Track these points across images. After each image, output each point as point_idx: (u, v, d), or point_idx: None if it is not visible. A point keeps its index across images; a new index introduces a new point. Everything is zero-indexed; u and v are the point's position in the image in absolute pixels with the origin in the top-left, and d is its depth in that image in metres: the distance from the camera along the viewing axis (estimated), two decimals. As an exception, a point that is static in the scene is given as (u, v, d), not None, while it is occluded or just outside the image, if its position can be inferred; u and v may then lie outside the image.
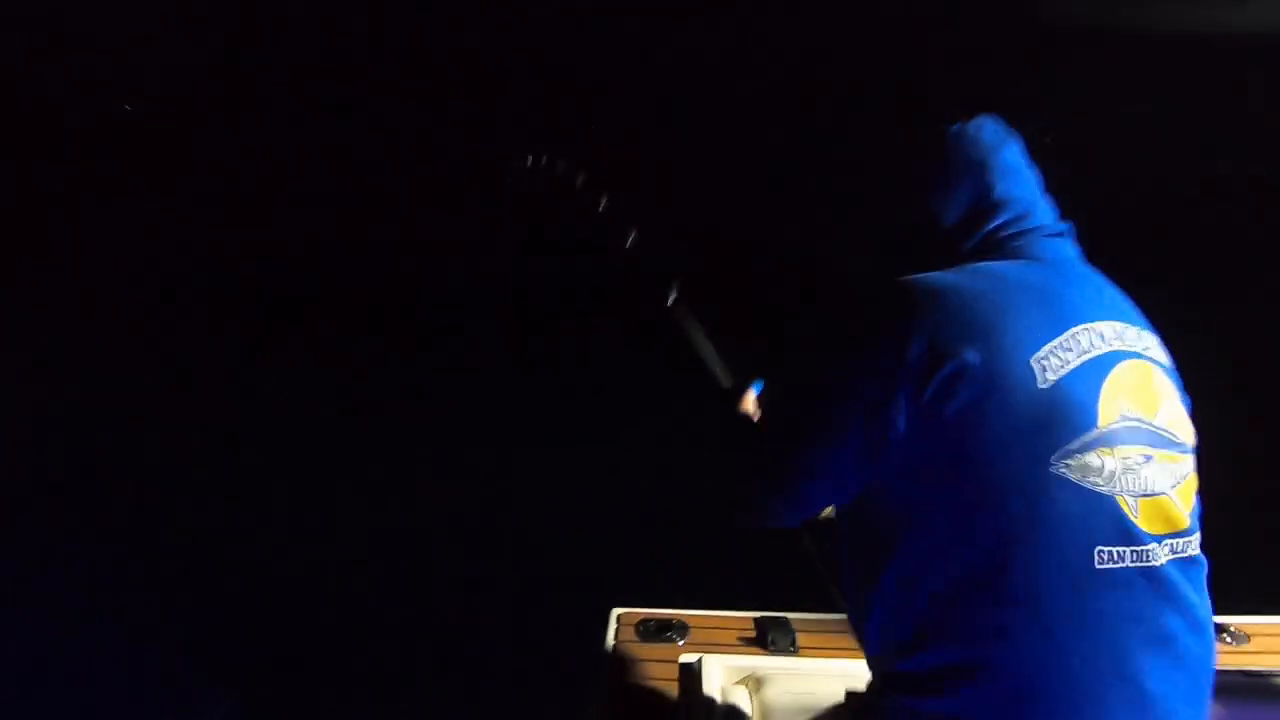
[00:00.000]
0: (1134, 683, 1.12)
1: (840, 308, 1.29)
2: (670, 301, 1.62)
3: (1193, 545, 1.21)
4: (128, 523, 4.07)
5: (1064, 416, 1.13)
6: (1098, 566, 1.12)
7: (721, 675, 1.81)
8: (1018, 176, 1.32)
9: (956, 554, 1.15)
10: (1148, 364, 1.23)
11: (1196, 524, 1.23)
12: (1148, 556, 1.14)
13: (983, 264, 1.23)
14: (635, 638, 2.01)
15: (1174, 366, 1.29)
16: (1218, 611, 1.25)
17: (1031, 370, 1.13)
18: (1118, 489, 1.14)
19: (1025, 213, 1.29)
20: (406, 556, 4.02)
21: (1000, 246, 1.26)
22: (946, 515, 1.16)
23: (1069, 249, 1.31)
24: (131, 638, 3.41)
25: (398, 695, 3.33)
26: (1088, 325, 1.19)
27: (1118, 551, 1.13)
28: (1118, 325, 1.23)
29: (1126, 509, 1.14)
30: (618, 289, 1.66)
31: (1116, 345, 1.20)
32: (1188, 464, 1.23)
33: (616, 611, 2.13)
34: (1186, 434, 1.25)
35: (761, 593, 2.15)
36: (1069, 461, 1.12)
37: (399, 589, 3.87)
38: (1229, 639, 1.98)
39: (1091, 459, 1.13)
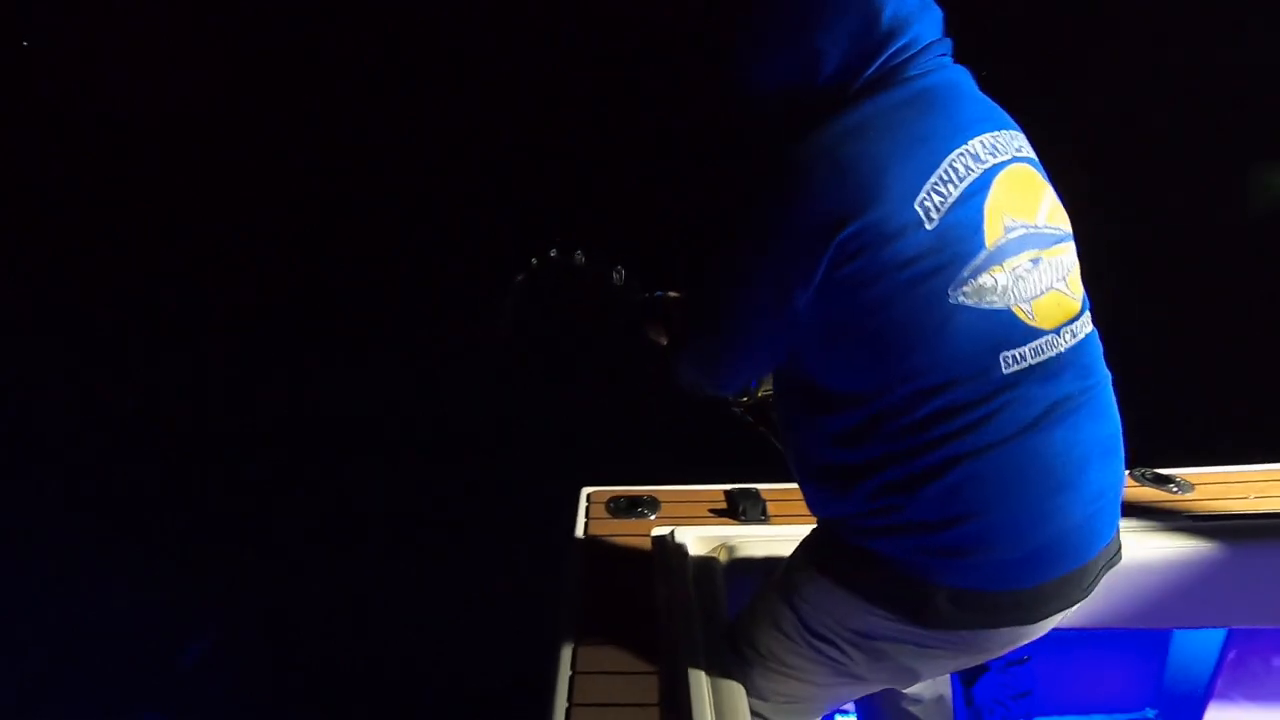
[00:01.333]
0: (1061, 462, 1.24)
1: (737, 188, 1.30)
2: (617, 281, 1.71)
3: (1086, 323, 1.33)
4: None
5: (954, 249, 1.19)
6: (1005, 371, 1.22)
7: (694, 545, 1.84)
8: None
9: (875, 403, 1.24)
10: (1021, 165, 1.29)
11: (1086, 301, 1.34)
12: (1048, 347, 1.25)
13: (866, 105, 1.22)
14: (606, 515, 2.03)
15: (1038, 159, 1.35)
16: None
17: (917, 214, 1.17)
18: (1011, 300, 1.22)
19: (913, 37, 1.26)
20: (379, 451, 4.04)
21: (889, 79, 1.25)
22: (861, 372, 1.25)
23: (953, 70, 1.31)
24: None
25: (372, 580, 3.40)
26: (962, 149, 1.22)
27: (1019, 353, 1.23)
28: (988, 138, 1.26)
29: (1022, 315, 1.23)
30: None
31: (990, 160, 1.24)
32: (1070, 250, 1.32)
33: (586, 490, 2.15)
34: (1064, 221, 1.33)
35: (730, 468, 2.19)
36: (965, 289, 1.20)
37: (372, 479, 3.90)
38: (1174, 488, 2.07)
39: (985, 280, 1.20)
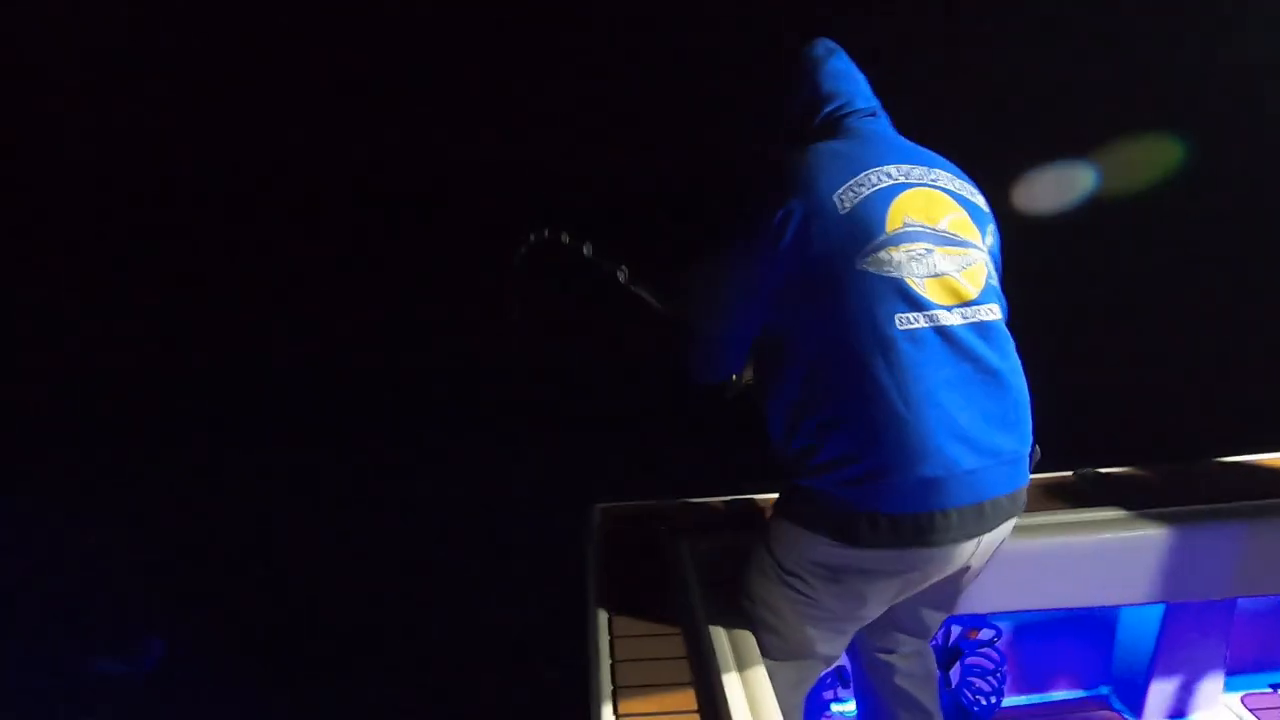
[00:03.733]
0: (946, 413, 1.59)
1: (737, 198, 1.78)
2: (621, 278, 2.08)
3: (985, 313, 1.68)
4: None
5: (861, 229, 1.63)
6: (899, 328, 1.59)
7: (708, 547, 2.10)
8: (841, 77, 1.85)
9: (804, 359, 1.66)
10: (931, 189, 1.72)
11: (991, 299, 1.71)
12: (938, 318, 1.62)
13: (820, 142, 1.77)
14: (620, 526, 2.28)
15: (967, 194, 1.78)
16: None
17: (835, 203, 1.64)
18: (905, 273, 1.62)
19: (845, 101, 1.82)
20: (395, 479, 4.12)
21: (832, 127, 1.80)
22: (802, 329, 1.66)
23: (878, 123, 1.84)
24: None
25: (385, 608, 3.58)
26: (877, 169, 1.70)
27: (911, 315, 1.61)
28: (904, 166, 1.73)
29: (914, 285, 1.62)
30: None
31: (901, 179, 1.70)
32: (973, 256, 1.70)
33: (599, 507, 2.41)
34: (971, 236, 1.72)
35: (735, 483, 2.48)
36: (867, 259, 1.62)
37: (384, 505, 4.01)
38: (1109, 484, 2.39)
39: (883, 254, 1.62)
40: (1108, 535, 2.18)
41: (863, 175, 1.67)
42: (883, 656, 2.01)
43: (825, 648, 1.84)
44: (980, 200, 1.80)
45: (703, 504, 2.40)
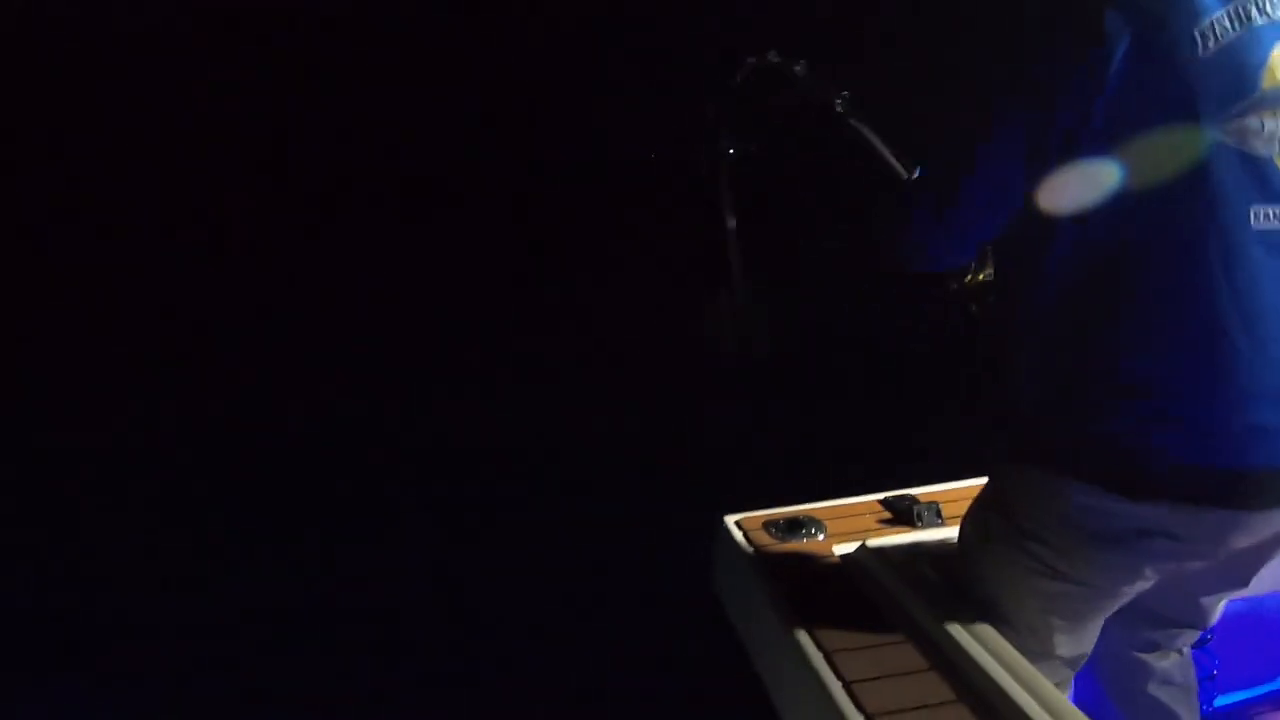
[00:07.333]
0: (1267, 345, 1.21)
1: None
2: (840, 107, 1.67)
3: None
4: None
5: (1225, 81, 1.18)
6: (1254, 227, 1.20)
7: (895, 555, 1.83)
8: None
9: (1101, 248, 1.25)
10: None
11: None
12: None
13: None
14: (770, 539, 2.00)
15: None
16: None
17: (1194, 40, 1.18)
18: (1276, 150, 1.20)
19: None
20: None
21: None
22: (1102, 210, 1.22)
23: None
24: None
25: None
26: None
27: (1275, 210, 1.20)
28: None
29: None
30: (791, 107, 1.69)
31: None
32: None
33: (732, 519, 2.11)
34: None
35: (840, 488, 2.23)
36: (1226, 126, 1.18)
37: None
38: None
39: (1251, 121, 1.18)
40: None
41: (1238, 3, 1.20)
42: (1136, 655, 1.68)
43: (1068, 643, 1.50)
44: None
45: (845, 505, 2.14)
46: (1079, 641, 1.53)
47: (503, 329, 4.66)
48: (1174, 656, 1.71)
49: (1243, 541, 1.37)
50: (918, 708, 1.45)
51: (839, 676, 1.53)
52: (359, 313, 4.63)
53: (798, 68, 1.67)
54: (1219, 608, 1.65)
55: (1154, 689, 1.69)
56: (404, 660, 3.40)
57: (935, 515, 1.98)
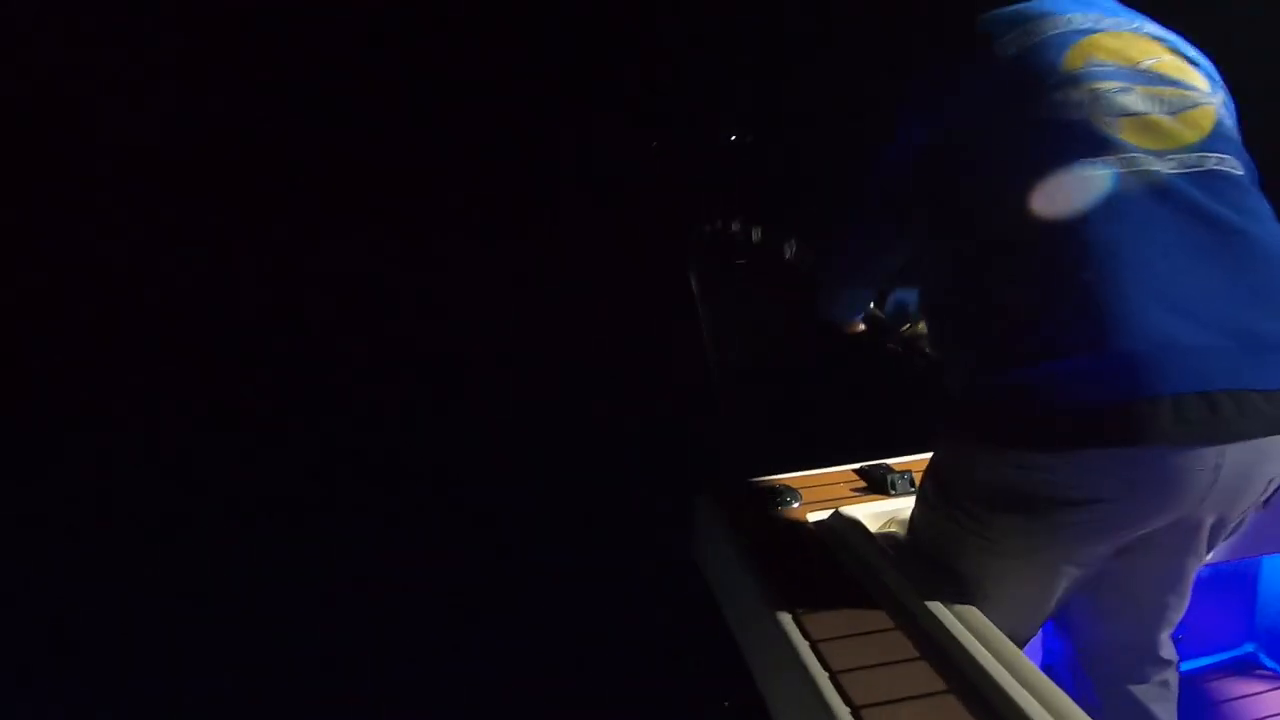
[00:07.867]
0: (1151, 276, 1.24)
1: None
2: (788, 254, 1.96)
3: (1215, 162, 1.35)
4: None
5: (1029, 75, 1.39)
6: (1090, 173, 1.31)
7: (869, 522, 1.83)
8: None
9: (970, 230, 1.41)
10: (1129, 33, 1.46)
11: (1225, 148, 1.38)
12: (1138, 162, 1.32)
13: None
14: (748, 509, 1.99)
15: (1185, 46, 1.50)
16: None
17: (996, 49, 1.41)
18: (1090, 113, 1.34)
19: None
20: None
21: None
22: (961, 201, 1.42)
23: None
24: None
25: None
26: (1056, 15, 1.44)
27: (1101, 160, 1.31)
28: (1093, 15, 1.46)
29: (1104, 125, 1.34)
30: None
31: (1086, 25, 1.44)
32: (1193, 98, 1.41)
33: (709, 488, 2.10)
34: (1188, 78, 1.43)
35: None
36: (1038, 101, 1.36)
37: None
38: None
39: (1057, 96, 1.36)
40: None
41: (1032, 24, 1.43)
42: (1098, 649, 1.62)
43: (1009, 620, 1.43)
44: (1206, 63, 1.49)
45: (821, 474, 2.12)
46: (1021, 620, 1.50)
47: (502, 329, 4.67)
48: (1137, 651, 1.63)
49: (1169, 497, 1.28)
50: (879, 664, 1.43)
51: (805, 636, 1.51)
52: (359, 312, 4.65)
53: (754, 233, 1.91)
54: (1186, 592, 1.57)
55: (1133, 689, 1.63)
56: (404, 660, 3.41)
57: (909, 484, 1.97)
